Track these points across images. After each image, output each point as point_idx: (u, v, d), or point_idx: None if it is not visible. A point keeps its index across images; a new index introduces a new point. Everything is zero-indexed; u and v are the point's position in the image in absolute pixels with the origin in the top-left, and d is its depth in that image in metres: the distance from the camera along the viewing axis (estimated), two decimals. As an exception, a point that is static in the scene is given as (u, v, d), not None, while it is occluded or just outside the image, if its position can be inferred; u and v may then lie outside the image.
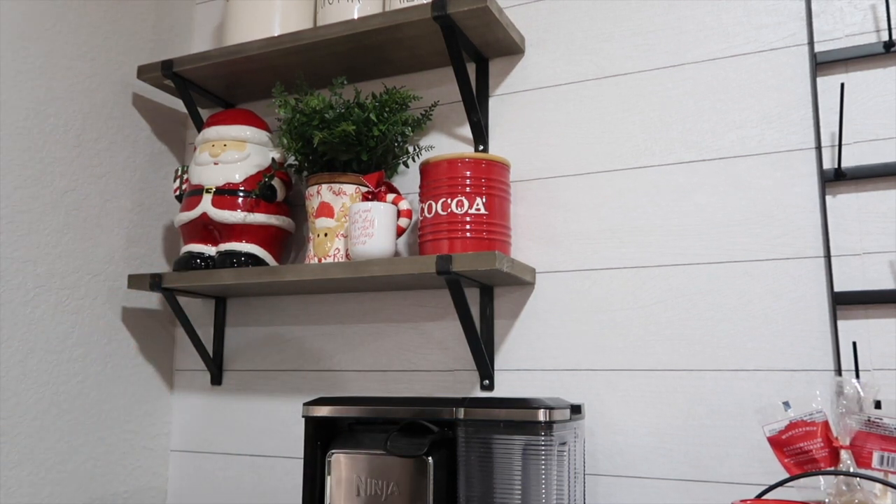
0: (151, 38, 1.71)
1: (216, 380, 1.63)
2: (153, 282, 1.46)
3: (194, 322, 1.65)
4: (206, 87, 1.64)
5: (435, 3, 1.29)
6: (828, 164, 1.20)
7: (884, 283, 1.14)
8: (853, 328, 1.15)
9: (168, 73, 1.56)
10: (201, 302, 1.68)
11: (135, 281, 1.48)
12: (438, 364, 1.42)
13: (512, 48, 1.44)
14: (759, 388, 1.19)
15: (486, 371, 1.35)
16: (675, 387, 1.24)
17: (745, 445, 1.18)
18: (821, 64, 1.22)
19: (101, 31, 1.58)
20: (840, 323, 1.15)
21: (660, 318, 1.27)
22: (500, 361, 1.37)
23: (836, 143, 1.18)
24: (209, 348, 1.65)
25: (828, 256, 1.17)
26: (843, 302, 1.15)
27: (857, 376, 1.10)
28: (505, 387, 1.36)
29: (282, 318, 1.60)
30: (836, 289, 1.16)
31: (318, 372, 1.54)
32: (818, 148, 1.21)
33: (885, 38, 1.19)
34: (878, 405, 0.99)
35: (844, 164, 1.18)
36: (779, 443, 1.02)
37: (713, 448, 1.20)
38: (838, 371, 1.14)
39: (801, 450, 1.01)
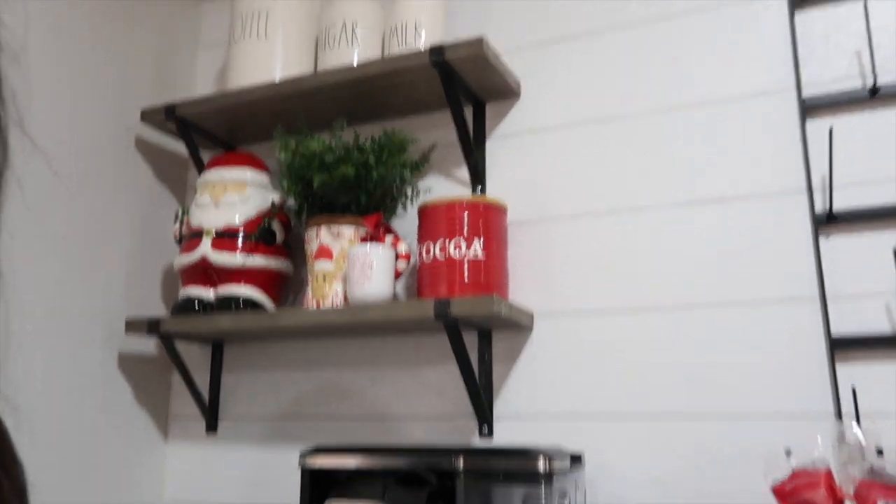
0: (155, 81, 1.74)
1: (211, 427, 1.62)
2: (151, 327, 1.46)
3: (191, 367, 1.64)
4: (208, 130, 1.66)
5: (433, 49, 1.32)
6: (820, 206, 1.21)
7: (880, 326, 1.14)
8: (852, 372, 1.15)
9: (171, 117, 1.58)
10: (198, 347, 1.68)
11: (132, 326, 1.48)
12: (437, 410, 1.42)
13: (508, 92, 1.46)
14: (760, 433, 1.18)
15: (484, 417, 1.35)
16: (675, 432, 1.24)
17: (748, 495, 1.16)
18: (809, 108, 1.24)
19: (105, 75, 1.60)
20: (838, 366, 1.15)
21: (658, 361, 1.27)
22: (499, 407, 1.37)
23: (827, 186, 1.20)
24: (205, 395, 1.64)
25: (823, 299, 1.18)
26: (841, 346, 1.15)
27: (858, 421, 1.10)
28: (504, 433, 1.35)
29: (279, 363, 1.59)
30: (833, 332, 1.16)
31: (314, 418, 1.53)
32: (810, 191, 1.22)
33: (871, 83, 1.21)
34: (879, 452, 0.98)
35: (836, 207, 1.19)
36: (783, 494, 1.01)
37: (717, 498, 1.19)
38: (839, 416, 1.14)
39: (806, 500, 1.00)
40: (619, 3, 1.43)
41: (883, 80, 1.20)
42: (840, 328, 1.16)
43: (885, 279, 1.15)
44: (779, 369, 1.19)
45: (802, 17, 1.29)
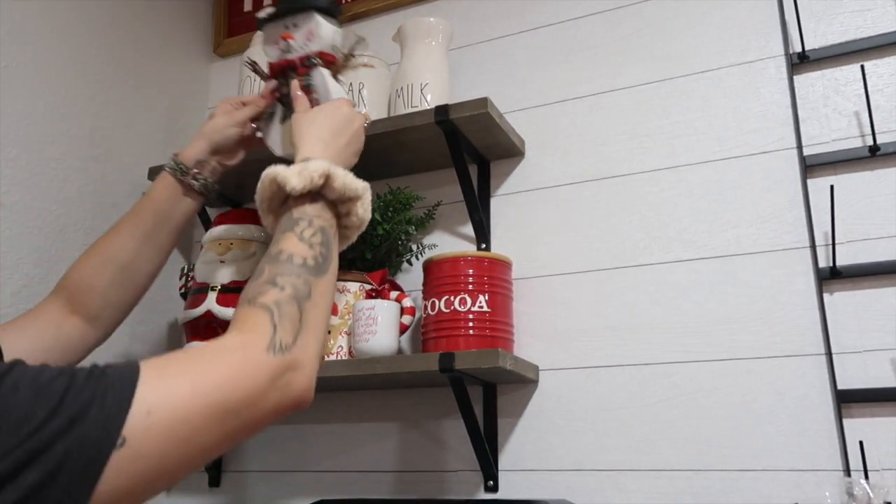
0: (163, 140, 1.77)
1: (214, 482, 1.60)
2: (155, 379, 1.45)
3: (194, 420, 1.63)
4: (215, 188, 1.68)
5: (438, 109, 1.35)
6: (823, 262, 1.22)
7: (886, 381, 1.14)
8: (859, 427, 1.14)
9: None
10: (202, 400, 1.67)
11: (137, 379, 1.47)
12: (442, 464, 1.40)
13: (512, 150, 1.49)
14: (767, 489, 1.17)
15: (489, 472, 1.33)
16: (682, 488, 1.22)
17: (756, 549, 1.15)
18: (810, 167, 1.27)
19: (115, 134, 1.63)
20: (846, 421, 1.15)
21: (664, 416, 1.26)
22: (504, 461, 1.35)
23: (830, 242, 1.21)
24: (208, 448, 1.62)
25: (829, 354, 1.18)
26: (848, 400, 1.15)
27: (866, 476, 1.09)
28: (509, 488, 1.34)
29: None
30: (840, 387, 1.16)
31: (319, 473, 1.51)
32: (813, 247, 1.24)
33: (870, 142, 1.24)
34: (888, 507, 0.98)
35: (839, 263, 1.21)
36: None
37: (724, 552, 1.17)
38: (847, 471, 1.12)
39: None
40: (621, 66, 1.47)
41: (882, 139, 1.23)
42: (846, 383, 1.16)
43: (890, 334, 1.16)
44: (786, 424, 1.19)
45: (801, 79, 1.33)
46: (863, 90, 1.23)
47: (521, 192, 1.49)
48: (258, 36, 1.49)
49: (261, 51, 1.24)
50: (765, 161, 1.31)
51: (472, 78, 1.61)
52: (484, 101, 1.33)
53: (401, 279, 1.51)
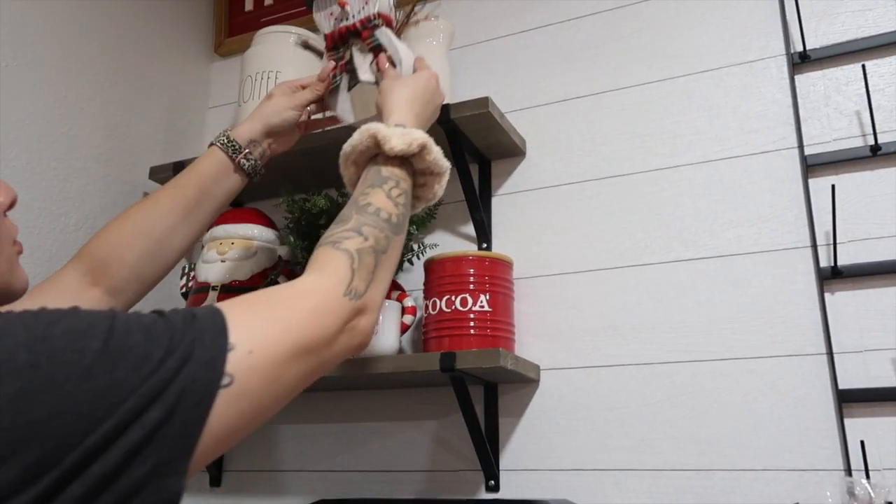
0: (164, 140, 1.77)
1: (215, 481, 1.60)
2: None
3: (195, 420, 1.63)
4: (215, 187, 1.68)
5: (439, 109, 1.35)
6: (824, 262, 1.22)
7: (888, 381, 1.14)
8: (860, 426, 1.14)
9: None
10: (202, 399, 1.67)
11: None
12: (443, 464, 1.40)
13: (513, 150, 1.49)
14: (768, 489, 1.17)
15: (490, 471, 1.33)
16: (684, 487, 1.22)
17: (757, 549, 1.15)
18: (811, 166, 1.27)
19: (115, 133, 1.63)
20: (847, 421, 1.15)
21: (666, 415, 1.26)
22: (505, 461, 1.35)
23: (831, 241, 1.21)
24: (209, 447, 1.62)
25: (830, 353, 1.18)
26: (849, 400, 1.15)
27: (867, 476, 1.09)
28: (510, 487, 1.34)
29: (283, 416, 1.58)
30: (841, 386, 1.16)
31: (320, 472, 1.51)
32: (814, 246, 1.24)
33: (871, 142, 1.24)
34: (890, 506, 0.98)
35: (840, 263, 1.20)
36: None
37: (725, 552, 1.17)
38: (848, 471, 1.13)
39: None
40: (622, 66, 1.47)
41: (883, 139, 1.23)
42: (847, 382, 1.16)
43: (891, 333, 1.16)
44: (787, 424, 1.19)
45: (802, 79, 1.33)
46: (864, 90, 1.23)
47: (522, 192, 1.49)
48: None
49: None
50: (766, 161, 1.31)
51: (474, 77, 1.61)
52: (485, 101, 1.33)
53: (402, 279, 1.51)
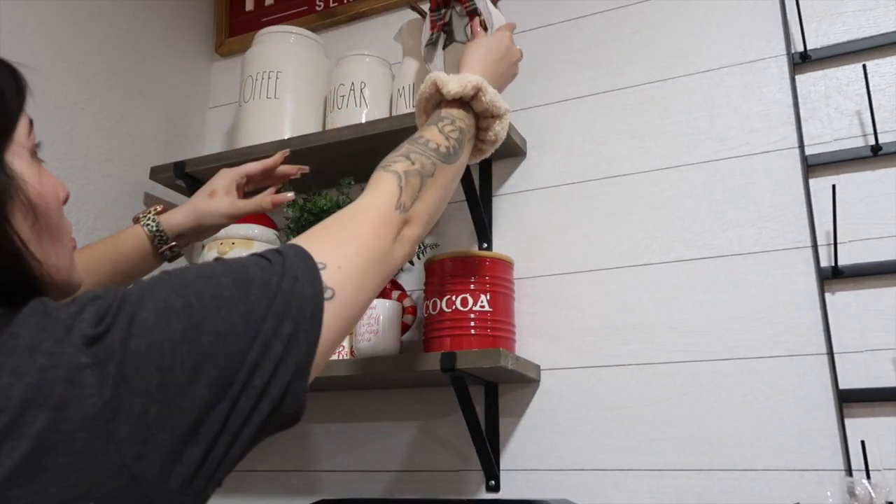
0: (165, 140, 1.77)
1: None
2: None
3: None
4: (216, 187, 1.68)
5: (440, 109, 1.35)
6: (825, 262, 1.22)
7: (888, 381, 1.14)
8: (860, 426, 1.14)
9: (180, 174, 1.60)
10: (203, 399, 1.67)
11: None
12: (443, 464, 1.40)
13: (514, 150, 1.49)
14: (769, 489, 1.17)
15: (491, 471, 1.33)
16: (684, 488, 1.22)
17: (757, 549, 1.15)
18: (812, 166, 1.27)
19: (116, 133, 1.63)
20: (847, 421, 1.15)
21: (666, 415, 1.26)
22: (505, 461, 1.36)
23: (832, 241, 1.21)
24: (210, 447, 1.62)
25: (830, 353, 1.18)
26: (849, 400, 1.15)
27: (868, 476, 1.09)
28: (511, 487, 1.34)
29: (284, 415, 1.58)
30: (841, 386, 1.16)
31: (321, 472, 1.51)
32: (814, 246, 1.24)
33: (872, 142, 1.24)
34: (890, 506, 0.98)
35: (841, 263, 1.20)
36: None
37: (725, 552, 1.17)
38: (848, 471, 1.13)
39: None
40: (623, 66, 1.47)
41: (884, 139, 1.23)
42: (848, 382, 1.16)
43: (891, 333, 1.16)
44: (787, 424, 1.19)
45: (803, 79, 1.33)
46: (864, 90, 1.23)
47: (523, 192, 1.49)
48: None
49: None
50: (766, 161, 1.31)
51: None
52: (485, 101, 1.32)
53: (402, 278, 1.51)
